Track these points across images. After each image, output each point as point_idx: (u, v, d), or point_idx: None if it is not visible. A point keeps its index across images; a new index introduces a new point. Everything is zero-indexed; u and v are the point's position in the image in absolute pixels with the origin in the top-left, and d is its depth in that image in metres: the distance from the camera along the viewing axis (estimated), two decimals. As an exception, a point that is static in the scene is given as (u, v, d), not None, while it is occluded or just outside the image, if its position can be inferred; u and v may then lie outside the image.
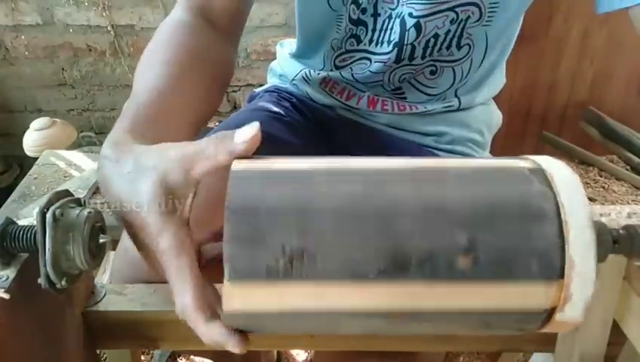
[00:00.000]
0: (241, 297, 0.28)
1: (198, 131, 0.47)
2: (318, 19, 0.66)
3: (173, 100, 0.44)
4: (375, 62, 0.66)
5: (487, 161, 0.33)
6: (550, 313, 0.29)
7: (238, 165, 0.31)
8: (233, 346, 0.31)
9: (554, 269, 0.28)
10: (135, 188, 0.33)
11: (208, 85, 0.50)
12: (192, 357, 1.13)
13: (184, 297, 0.31)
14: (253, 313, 0.29)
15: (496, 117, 0.79)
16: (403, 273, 0.28)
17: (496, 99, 0.81)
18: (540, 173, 0.30)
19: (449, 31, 0.62)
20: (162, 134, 0.39)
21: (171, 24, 0.53)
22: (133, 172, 0.33)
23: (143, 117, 0.40)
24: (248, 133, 0.32)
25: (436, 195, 0.29)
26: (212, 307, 0.32)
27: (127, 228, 0.35)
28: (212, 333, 0.31)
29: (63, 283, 0.35)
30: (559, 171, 0.30)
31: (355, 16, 0.63)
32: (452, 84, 0.69)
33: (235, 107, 1.74)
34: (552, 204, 0.29)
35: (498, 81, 0.76)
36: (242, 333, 0.32)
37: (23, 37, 1.60)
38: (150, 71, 0.46)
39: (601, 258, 0.31)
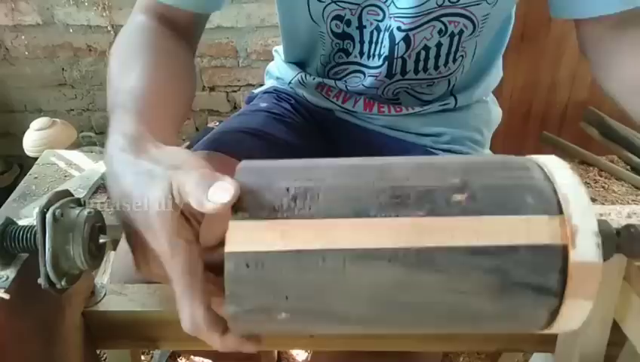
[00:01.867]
0: (244, 234, 0.28)
1: (180, 126, 0.49)
2: (302, 36, 0.67)
3: (162, 97, 0.45)
4: (368, 76, 0.66)
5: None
6: (564, 253, 0.29)
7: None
8: (248, 349, 0.32)
9: (550, 203, 0.29)
10: (148, 192, 0.32)
11: (183, 86, 0.51)
12: (192, 357, 1.13)
13: (196, 317, 0.31)
14: (256, 252, 0.29)
15: (495, 114, 0.79)
16: (404, 208, 0.29)
17: (495, 98, 0.81)
18: (528, 160, 0.33)
19: (440, 43, 0.61)
20: (162, 126, 0.40)
21: (138, 28, 0.53)
22: (147, 174, 0.33)
23: (146, 108, 0.41)
24: (223, 198, 0.29)
25: (430, 160, 0.34)
26: (222, 320, 0.32)
27: (127, 226, 0.34)
28: (227, 344, 0.31)
29: (63, 283, 0.35)
30: (547, 158, 0.33)
31: (339, 30, 0.63)
32: (447, 89, 0.70)
33: (235, 107, 1.74)
34: (535, 165, 0.32)
35: (495, 76, 0.75)
36: (254, 337, 0.32)
37: (23, 37, 1.60)
38: (132, 71, 0.46)
39: (606, 255, 0.31)
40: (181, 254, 0.31)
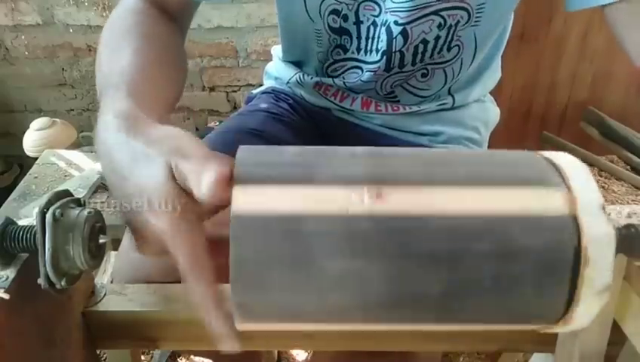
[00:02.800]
0: (249, 197, 0.28)
1: (171, 109, 0.48)
2: (300, 33, 0.67)
3: (154, 77, 0.44)
4: (366, 71, 0.66)
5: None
6: (575, 221, 0.29)
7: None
8: (230, 344, 0.31)
9: (552, 174, 0.30)
10: (147, 173, 0.31)
11: (174, 68, 0.51)
12: (192, 357, 1.13)
13: (204, 295, 0.30)
14: (261, 215, 0.28)
15: (493, 113, 0.79)
16: (400, 178, 0.30)
17: (495, 98, 0.81)
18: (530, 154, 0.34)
19: (438, 36, 0.62)
20: (155, 106, 0.40)
21: (129, 10, 0.53)
22: (144, 153, 0.32)
23: (137, 87, 0.40)
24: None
25: (431, 152, 0.34)
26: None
27: (125, 207, 0.33)
28: (223, 329, 0.31)
29: (63, 283, 0.35)
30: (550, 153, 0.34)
31: (336, 25, 0.63)
32: (444, 84, 0.69)
33: (235, 107, 1.74)
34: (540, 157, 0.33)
35: (493, 76, 0.75)
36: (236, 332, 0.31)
37: (23, 37, 1.60)
38: (123, 52, 0.45)
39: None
40: (183, 232, 0.30)
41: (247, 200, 0.29)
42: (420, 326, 0.32)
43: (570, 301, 0.29)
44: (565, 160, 0.32)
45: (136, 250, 0.35)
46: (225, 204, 0.29)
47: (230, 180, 0.29)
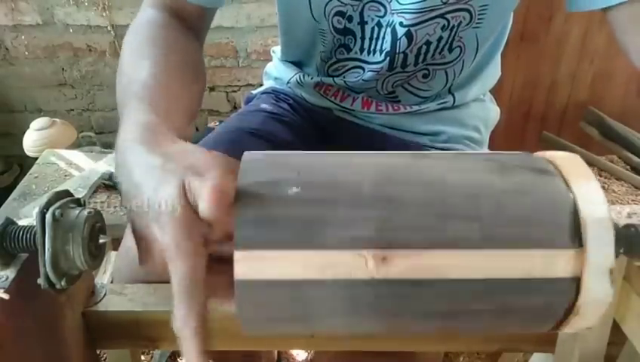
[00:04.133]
0: (250, 263, 0.28)
1: (193, 119, 0.48)
2: (303, 34, 0.67)
3: (175, 88, 0.45)
4: (368, 71, 0.66)
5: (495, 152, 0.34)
6: (577, 282, 0.29)
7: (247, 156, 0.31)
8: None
9: (569, 234, 0.29)
10: (159, 185, 0.31)
11: (194, 78, 0.51)
12: (192, 357, 1.13)
13: (187, 316, 0.31)
14: (264, 281, 0.29)
15: (493, 112, 0.79)
16: (406, 240, 0.28)
17: (495, 98, 0.81)
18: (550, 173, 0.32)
19: (441, 37, 0.62)
20: (175, 117, 0.40)
21: (149, 21, 0.54)
22: (161, 168, 0.32)
23: (158, 100, 0.40)
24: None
25: (437, 171, 0.31)
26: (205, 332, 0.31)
27: (135, 217, 0.34)
28: (191, 353, 0.31)
29: (63, 283, 0.35)
30: (562, 157, 0.32)
31: (340, 26, 0.63)
32: (445, 85, 0.69)
33: (235, 107, 1.74)
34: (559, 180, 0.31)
35: (492, 73, 0.75)
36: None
37: (23, 37, 1.60)
38: (145, 63, 0.46)
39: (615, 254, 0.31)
40: (185, 251, 0.30)
41: (248, 265, 0.29)
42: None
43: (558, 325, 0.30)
44: (593, 207, 0.29)
45: (139, 262, 0.35)
46: (227, 228, 0.30)
47: (232, 195, 0.30)
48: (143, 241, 0.34)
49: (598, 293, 0.29)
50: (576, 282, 0.29)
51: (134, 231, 0.35)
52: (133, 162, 0.34)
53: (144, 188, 0.32)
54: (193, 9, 0.57)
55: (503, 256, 0.29)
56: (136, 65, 0.46)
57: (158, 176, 0.32)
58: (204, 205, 0.29)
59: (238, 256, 0.28)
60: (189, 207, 0.30)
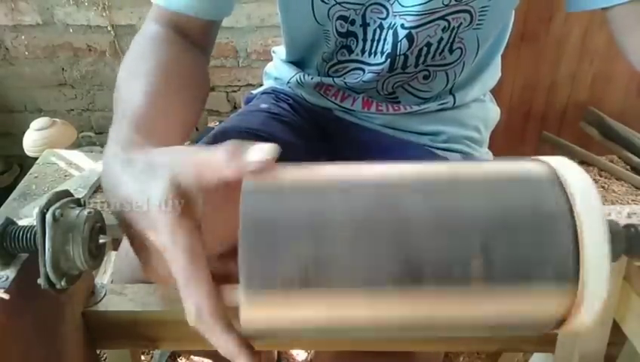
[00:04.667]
0: (256, 308, 0.28)
1: (186, 136, 0.47)
2: (305, 35, 0.67)
3: (165, 107, 0.44)
4: (368, 72, 0.66)
5: (498, 167, 0.32)
6: (561, 321, 0.29)
7: (249, 179, 0.30)
8: (245, 359, 0.31)
9: (568, 276, 0.28)
10: (147, 188, 0.31)
11: (191, 94, 0.51)
12: (192, 357, 1.13)
13: (200, 301, 0.29)
14: (269, 324, 0.29)
15: (493, 113, 0.79)
16: (416, 283, 0.28)
17: (495, 98, 0.81)
18: (552, 177, 0.30)
19: (441, 38, 0.62)
20: (162, 136, 0.39)
21: (149, 37, 0.53)
22: (145, 172, 0.32)
23: (143, 119, 0.40)
24: (263, 154, 0.30)
25: (448, 207, 0.29)
26: (227, 315, 0.31)
27: (129, 229, 0.33)
28: (227, 342, 0.30)
29: (63, 283, 0.35)
30: (572, 174, 0.30)
31: (343, 30, 0.63)
32: (445, 86, 0.69)
33: (235, 107, 1.74)
34: (565, 210, 0.29)
35: (493, 74, 0.76)
36: (252, 348, 0.31)
37: (23, 37, 1.60)
38: (137, 81, 0.45)
39: (615, 257, 0.30)
40: (183, 241, 0.30)
41: (256, 315, 0.28)
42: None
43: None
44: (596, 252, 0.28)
45: (145, 274, 0.35)
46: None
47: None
48: (142, 250, 0.34)
49: (585, 321, 0.29)
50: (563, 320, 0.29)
51: (131, 243, 0.35)
52: (118, 176, 0.34)
53: (132, 196, 0.32)
54: (196, 22, 0.56)
55: (502, 298, 0.28)
56: (129, 83, 0.46)
57: (143, 179, 0.32)
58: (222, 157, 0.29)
59: (244, 303, 0.28)
60: (179, 199, 0.30)
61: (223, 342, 0.30)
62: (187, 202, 0.31)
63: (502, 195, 0.30)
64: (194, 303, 0.29)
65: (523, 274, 0.28)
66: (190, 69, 0.53)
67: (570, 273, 0.28)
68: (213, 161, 0.31)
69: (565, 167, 0.30)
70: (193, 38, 0.56)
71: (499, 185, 0.30)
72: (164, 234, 0.30)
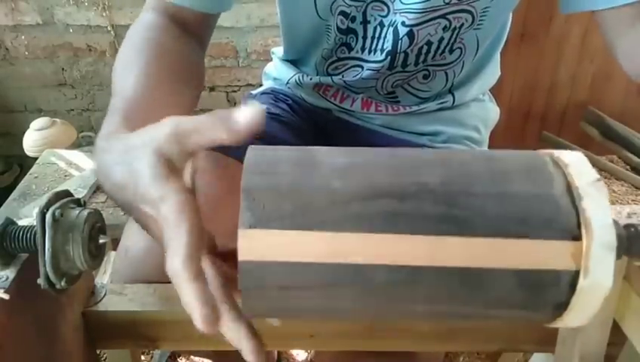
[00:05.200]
0: (256, 242, 0.28)
1: None
2: (306, 31, 0.67)
3: (158, 97, 0.44)
4: (367, 69, 0.66)
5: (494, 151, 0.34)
6: (575, 277, 0.29)
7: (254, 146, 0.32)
8: (248, 350, 0.30)
9: (569, 225, 0.28)
10: (132, 167, 0.31)
11: (187, 84, 0.51)
12: (192, 357, 1.13)
13: (173, 258, 0.28)
14: (268, 261, 0.28)
15: (493, 112, 0.79)
16: (420, 219, 0.28)
17: (495, 98, 0.81)
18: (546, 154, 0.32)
19: (442, 38, 0.62)
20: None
21: (146, 26, 0.53)
22: (125, 152, 0.32)
23: (134, 112, 0.40)
24: (249, 112, 0.30)
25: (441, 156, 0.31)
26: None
27: (134, 215, 0.33)
28: (192, 292, 0.28)
29: (63, 283, 0.35)
30: (567, 154, 0.32)
31: (344, 26, 0.63)
32: (445, 85, 0.69)
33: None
34: (558, 174, 0.31)
35: (492, 73, 0.76)
36: (258, 340, 0.31)
37: (23, 37, 1.60)
38: (130, 72, 0.45)
39: (617, 256, 0.30)
40: (170, 198, 0.29)
41: (254, 244, 0.28)
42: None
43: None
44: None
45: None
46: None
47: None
48: (147, 229, 0.34)
49: (598, 279, 0.28)
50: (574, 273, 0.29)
51: (143, 227, 0.35)
52: (105, 166, 0.34)
53: (123, 182, 0.32)
54: (194, 15, 0.56)
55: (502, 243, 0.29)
56: (124, 75, 0.46)
57: (127, 160, 0.32)
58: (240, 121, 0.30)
59: (242, 236, 0.28)
60: (166, 168, 0.30)
61: (189, 298, 0.28)
62: (174, 168, 0.31)
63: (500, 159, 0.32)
64: (171, 252, 0.28)
65: (520, 223, 0.29)
66: (186, 59, 0.53)
67: (570, 224, 0.28)
68: (199, 125, 0.31)
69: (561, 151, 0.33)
70: (190, 29, 0.56)
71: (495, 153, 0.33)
72: (155, 202, 0.30)
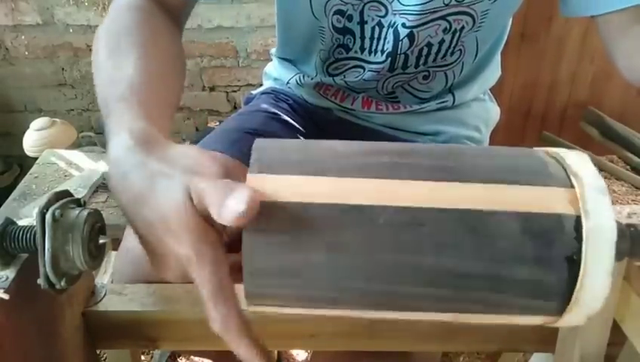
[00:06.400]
0: (264, 185, 0.29)
1: (174, 112, 0.46)
2: (302, 31, 0.67)
3: (162, 80, 0.44)
4: (368, 70, 0.66)
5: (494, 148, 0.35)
6: (578, 222, 0.29)
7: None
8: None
9: (561, 176, 0.30)
10: (164, 192, 0.30)
11: (180, 65, 0.50)
12: (192, 357, 1.13)
13: (227, 313, 0.29)
14: (275, 202, 0.28)
15: (493, 112, 0.79)
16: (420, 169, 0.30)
17: (495, 97, 0.81)
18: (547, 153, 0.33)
19: (443, 40, 0.62)
20: (159, 114, 0.39)
21: (131, 7, 0.51)
22: (162, 174, 0.31)
23: (144, 100, 0.39)
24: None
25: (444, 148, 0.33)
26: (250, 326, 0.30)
27: (141, 229, 0.32)
28: (248, 350, 0.30)
29: (63, 283, 0.35)
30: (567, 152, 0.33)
31: (340, 25, 0.63)
32: (445, 86, 0.69)
33: (235, 107, 1.74)
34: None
35: (492, 72, 0.76)
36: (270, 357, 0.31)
37: (23, 37, 1.61)
38: (127, 56, 0.43)
39: (619, 257, 0.30)
40: (207, 258, 0.29)
41: (267, 186, 0.29)
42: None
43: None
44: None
45: (157, 274, 0.34)
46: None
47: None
48: (156, 253, 0.33)
49: (600, 219, 0.28)
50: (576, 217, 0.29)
51: (145, 245, 0.33)
52: (130, 173, 0.32)
53: (148, 200, 0.31)
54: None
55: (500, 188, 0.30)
56: (117, 60, 0.44)
57: (160, 185, 0.31)
58: (231, 213, 0.27)
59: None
60: (198, 213, 0.29)
61: (243, 350, 0.30)
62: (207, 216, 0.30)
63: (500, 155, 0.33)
64: (220, 313, 0.29)
65: (515, 173, 0.30)
66: (173, 45, 0.52)
67: (561, 176, 0.30)
68: (209, 194, 0.29)
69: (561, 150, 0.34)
70: (170, 9, 0.55)
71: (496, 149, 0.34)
72: (188, 245, 0.29)
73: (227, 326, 0.30)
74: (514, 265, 0.29)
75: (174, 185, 0.30)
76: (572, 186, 0.29)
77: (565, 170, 0.30)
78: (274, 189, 0.29)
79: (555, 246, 0.29)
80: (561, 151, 0.32)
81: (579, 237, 0.28)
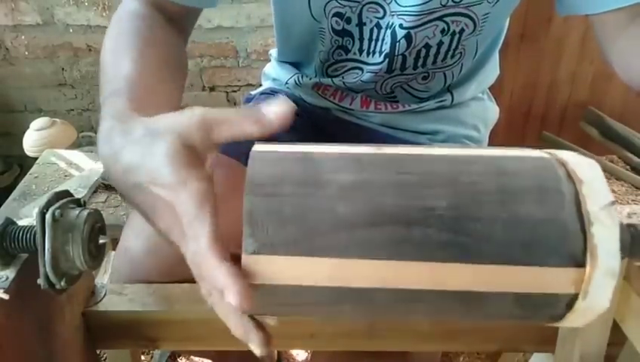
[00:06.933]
0: (260, 268, 0.28)
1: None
2: (301, 33, 0.67)
3: (157, 81, 0.44)
4: (367, 72, 0.66)
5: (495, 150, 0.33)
6: (573, 301, 0.29)
7: (258, 147, 0.31)
8: (255, 343, 0.31)
9: (575, 252, 0.28)
10: (151, 151, 0.31)
11: (177, 71, 0.51)
12: (192, 357, 1.13)
13: (198, 240, 0.28)
14: (272, 284, 0.28)
15: (492, 111, 0.79)
16: (426, 247, 0.28)
17: (495, 97, 0.81)
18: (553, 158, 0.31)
19: (441, 42, 0.62)
20: (155, 110, 0.39)
21: (132, 15, 0.52)
22: (146, 135, 0.32)
23: (138, 94, 0.40)
24: (279, 107, 0.31)
25: (450, 170, 0.30)
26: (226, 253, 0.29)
27: (139, 199, 0.33)
28: (223, 276, 0.28)
29: (63, 283, 0.35)
30: (574, 158, 0.31)
31: (339, 27, 0.63)
32: (443, 86, 0.69)
33: (235, 107, 1.74)
34: (570, 185, 0.29)
35: (491, 71, 0.76)
36: (265, 332, 0.31)
37: (23, 37, 1.60)
38: (125, 57, 0.45)
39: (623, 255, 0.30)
40: (192, 183, 0.29)
41: (259, 268, 0.28)
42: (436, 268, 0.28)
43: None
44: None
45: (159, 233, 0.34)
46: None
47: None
48: (155, 220, 0.33)
49: (597, 303, 0.28)
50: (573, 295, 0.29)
51: (144, 215, 0.34)
52: (117, 144, 0.33)
53: (137, 164, 0.31)
54: (177, 7, 0.56)
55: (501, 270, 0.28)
56: (115, 63, 0.45)
57: (146, 142, 0.32)
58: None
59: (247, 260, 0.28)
60: (185, 153, 0.30)
61: (219, 277, 0.28)
62: (197, 156, 0.31)
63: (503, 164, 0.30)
64: (191, 245, 0.29)
65: (526, 250, 0.28)
66: (174, 48, 0.53)
67: (576, 251, 0.28)
68: (228, 117, 0.31)
69: (565, 153, 0.32)
70: (172, 18, 0.56)
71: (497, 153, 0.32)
72: (173, 186, 0.29)
73: (200, 250, 0.28)
74: (501, 319, 0.30)
75: (158, 142, 0.31)
76: (584, 265, 0.28)
77: (585, 242, 0.28)
78: (271, 272, 0.28)
79: (543, 313, 0.30)
80: (593, 212, 0.28)
81: (569, 308, 0.29)
